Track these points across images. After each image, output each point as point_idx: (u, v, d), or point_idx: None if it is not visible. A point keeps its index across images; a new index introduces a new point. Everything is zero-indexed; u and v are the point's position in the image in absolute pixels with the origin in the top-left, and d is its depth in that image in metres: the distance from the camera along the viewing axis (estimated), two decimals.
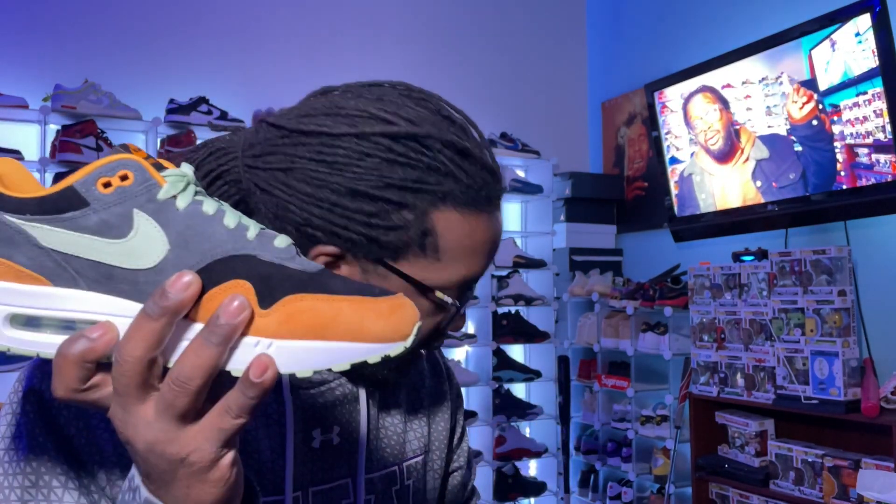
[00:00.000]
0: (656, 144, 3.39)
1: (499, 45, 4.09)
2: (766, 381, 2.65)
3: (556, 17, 4.28)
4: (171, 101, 3.18)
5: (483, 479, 3.60)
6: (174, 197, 0.47)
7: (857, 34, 2.48)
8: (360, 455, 0.76)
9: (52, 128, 3.04)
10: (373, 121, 0.65)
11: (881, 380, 2.46)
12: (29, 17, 3.19)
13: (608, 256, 3.90)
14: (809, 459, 2.52)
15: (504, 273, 3.74)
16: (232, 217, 0.49)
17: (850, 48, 2.51)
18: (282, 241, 0.49)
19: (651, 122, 3.41)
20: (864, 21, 2.45)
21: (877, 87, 2.43)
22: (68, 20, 3.24)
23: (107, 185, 0.46)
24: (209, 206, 0.48)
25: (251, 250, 0.48)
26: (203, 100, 3.22)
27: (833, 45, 2.57)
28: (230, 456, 0.47)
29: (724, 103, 3.02)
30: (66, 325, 0.46)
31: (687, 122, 3.19)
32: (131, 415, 0.45)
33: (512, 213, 4.05)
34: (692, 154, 3.21)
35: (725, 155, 3.04)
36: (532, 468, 3.91)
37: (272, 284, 0.47)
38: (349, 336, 0.46)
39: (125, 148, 0.50)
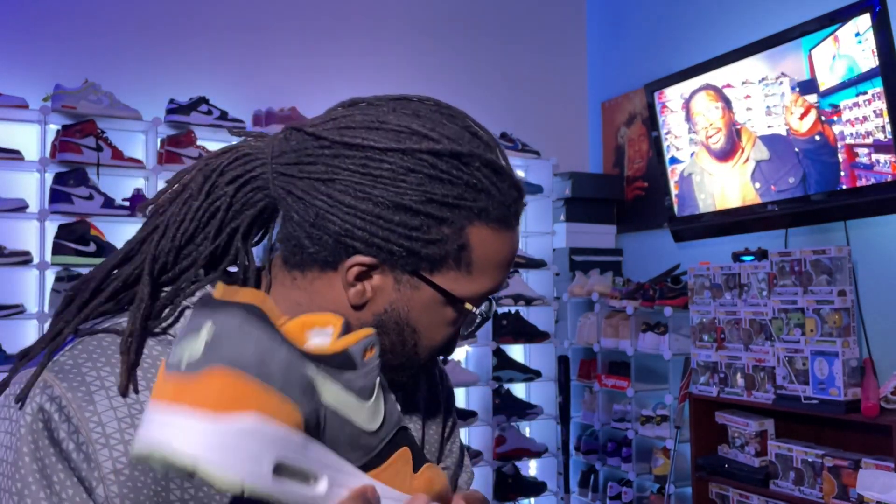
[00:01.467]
0: (656, 144, 3.39)
1: (499, 45, 4.09)
2: (766, 381, 2.65)
3: (556, 18, 4.28)
4: (171, 101, 3.18)
5: (483, 479, 3.59)
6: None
7: (857, 34, 2.48)
8: None
9: (52, 128, 3.04)
10: (416, 137, 0.67)
11: (881, 380, 2.46)
12: (29, 17, 3.19)
13: (608, 256, 3.90)
14: (809, 459, 2.52)
15: None
16: (389, 392, 0.59)
17: (851, 48, 2.51)
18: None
19: (651, 122, 3.41)
20: (864, 21, 2.45)
21: (877, 87, 2.43)
22: (68, 20, 3.24)
23: (364, 354, 0.55)
24: (382, 378, 0.58)
25: (405, 423, 0.61)
26: (203, 100, 3.22)
27: (833, 45, 2.57)
28: None
29: (727, 102, 3.02)
30: (305, 477, 0.51)
31: (689, 120, 3.19)
32: None
33: None
34: (692, 154, 3.21)
35: (726, 154, 3.04)
36: (532, 468, 3.91)
37: (415, 452, 0.60)
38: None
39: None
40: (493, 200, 0.69)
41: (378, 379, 0.56)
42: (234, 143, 0.74)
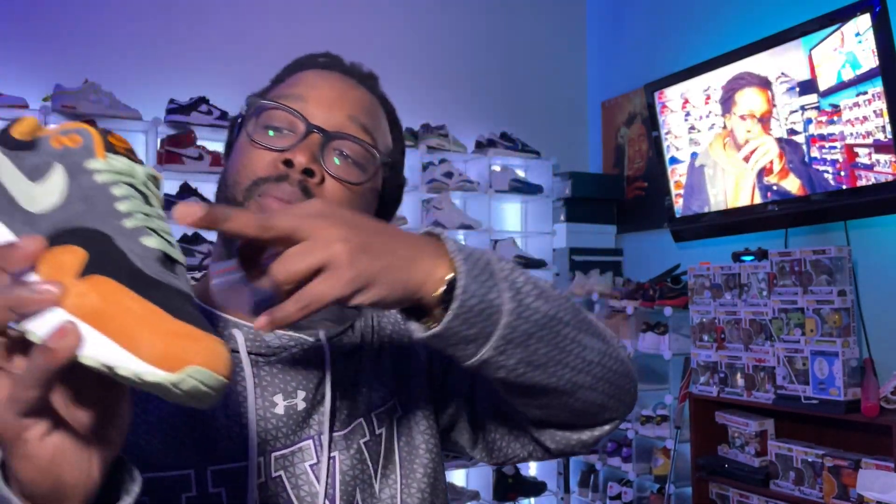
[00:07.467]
0: (656, 144, 3.39)
1: (499, 45, 4.09)
2: (766, 381, 2.65)
3: (556, 17, 4.28)
4: (172, 101, 3.18)
5: (483, 479, 3.60)
6: (99, 171, 0.48)
7: (857, 34, 2.48)
8: (324, 415, 0.76)
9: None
10: None
11: (881, 380, 2.46)
12: (29, 17, 3.19)
13: (608, 256, 3.90)
14: (809, 459, 2.52)
15: None
16: (132, 206, 0.48)
17: (851, 48, 2.51)
18: (152, 241, 0.48)
19: (651, 122, 3.41)
20: (864, 21, 2.45)
21: (877, 87, 2.43)
22: (68, 20, 3.24)
23: (57, 140, 0.49)
24: (122, 190, 0.49)
25: (113, 233, 0.47)
26: (203, 100, 3.22)
27: (833, 45, 2.57)
28: (38, 429, 0.45)
29: (773, 96, 2.88)
30: None
31: (728, 111, 3.02)
32: None
33: (512, 213, 4.05)
34: (694, 153, 3.20)
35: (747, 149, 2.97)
36: (532, 468, 3.91)
37: (103, 263, 0.45)
38: (123, 341, 0.42)
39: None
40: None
41: (65, 166, 0.49)
42: None
